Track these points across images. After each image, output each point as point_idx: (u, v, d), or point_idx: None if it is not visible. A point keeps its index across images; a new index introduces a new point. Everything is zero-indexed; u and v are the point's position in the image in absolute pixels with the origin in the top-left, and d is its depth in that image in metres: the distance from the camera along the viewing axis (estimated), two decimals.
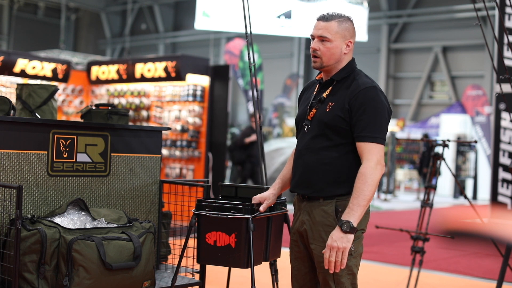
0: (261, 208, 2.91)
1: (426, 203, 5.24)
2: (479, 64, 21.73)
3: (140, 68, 9.02)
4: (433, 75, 23.68)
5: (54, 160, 3.14)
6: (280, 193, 3.02)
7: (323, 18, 2.74)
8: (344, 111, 2.65)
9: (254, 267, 2.87)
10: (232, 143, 11.53)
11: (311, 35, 2.76)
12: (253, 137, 10.54)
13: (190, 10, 24.36)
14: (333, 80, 2.76)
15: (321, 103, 2.75)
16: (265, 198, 2.95)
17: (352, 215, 2.55)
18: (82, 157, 3.25)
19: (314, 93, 2.82)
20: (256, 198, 2.95)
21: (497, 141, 8.57)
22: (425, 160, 15.93)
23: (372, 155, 2.59)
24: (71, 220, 2.99)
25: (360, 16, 18.34)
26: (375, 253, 7.38)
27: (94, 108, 3.59)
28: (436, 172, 5.35)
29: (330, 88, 2.76)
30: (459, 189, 16.32)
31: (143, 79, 9.02)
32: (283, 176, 2.99)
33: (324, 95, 2.75)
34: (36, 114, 3.44)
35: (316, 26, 2.75)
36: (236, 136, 12.13)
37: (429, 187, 5.36)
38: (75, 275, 2.78)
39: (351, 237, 2.54)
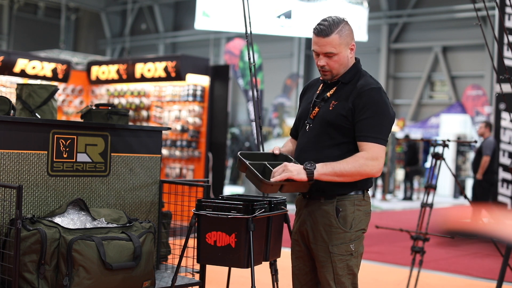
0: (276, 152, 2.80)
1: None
2: (479, 64, 21.72)
3: (140, 68, 9.02)
4: (433, 75, 23.67)
5: (54, 160, 3.14)
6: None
7: (322, 33, 2.66)
8: (347, 110, 2.66)
9: (254, 267, 2.87)
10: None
11: (314, 51, 2.72)
12: None
13: (190, 10, 24.36)
14: (339, 81, 2.76)
15: (324, 102, 2.75)
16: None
17: (321, 166, 2.55)
18: (82, 157, 3.24)
19: (318, 92, 2.82)
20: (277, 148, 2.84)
21: (497, 141, 8.58)
22: (407, 159, 16.10)
23: (372, 152, 2.60)
24: (71, 220, 2.99)
25: (360, 16, 18.31)
26: (375, 253, 7.38)
27: (94, 108, 3.59)
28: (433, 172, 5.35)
29: (335, 88, 2.76)
30: (459, 189, 16.31)
31: (143, 79, 9.03)
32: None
33: (328, 94, 2.76)
34: (36, 114, 3.44)
35: (318, 42, 2.68)
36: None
37: (429, 187, 5.36)
38: (75, 275, 2.78)
39: (303, 174, 2.54)
